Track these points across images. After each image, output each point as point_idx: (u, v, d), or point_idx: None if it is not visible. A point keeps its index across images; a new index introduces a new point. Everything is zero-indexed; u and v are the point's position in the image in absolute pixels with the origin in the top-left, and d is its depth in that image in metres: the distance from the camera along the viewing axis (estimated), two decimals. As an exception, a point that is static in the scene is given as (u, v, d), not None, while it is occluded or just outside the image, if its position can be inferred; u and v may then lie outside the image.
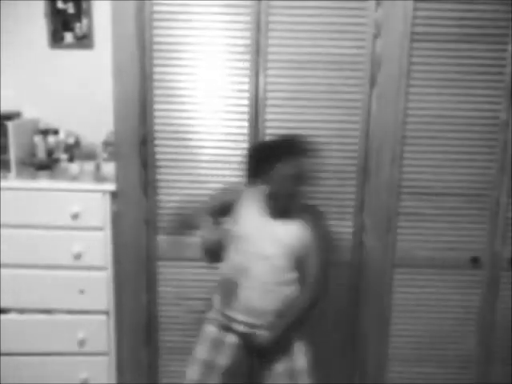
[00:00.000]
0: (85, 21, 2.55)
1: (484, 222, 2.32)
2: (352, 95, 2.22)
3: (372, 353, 2.43)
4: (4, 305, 2.37)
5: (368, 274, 2.35)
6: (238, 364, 1.97)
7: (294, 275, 1.91)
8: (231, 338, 1.94)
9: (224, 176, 2.28)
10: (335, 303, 2.38)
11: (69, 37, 2.57)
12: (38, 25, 2.55)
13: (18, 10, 2.56)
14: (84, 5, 2.54)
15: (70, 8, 2.54)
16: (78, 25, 2.56)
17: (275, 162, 1.84)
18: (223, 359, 1.94)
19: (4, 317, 2.38)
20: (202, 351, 1.96)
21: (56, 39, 2.57)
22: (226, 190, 2.15)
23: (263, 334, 1.87)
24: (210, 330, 1.97)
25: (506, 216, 2.31)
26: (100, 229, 2.30)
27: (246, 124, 2.24)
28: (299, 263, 1.91)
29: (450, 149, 2.26)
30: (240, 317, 1.90)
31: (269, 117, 2.23)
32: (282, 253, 1.87)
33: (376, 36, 2.16)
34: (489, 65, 2.19)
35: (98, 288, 2.35)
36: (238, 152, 2.26)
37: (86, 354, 2.41)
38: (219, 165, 2.28)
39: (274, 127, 2.24)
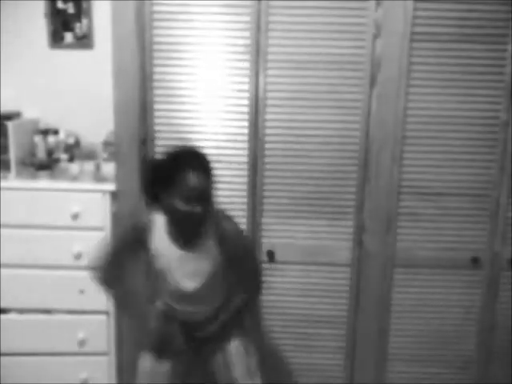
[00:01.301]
0: (85, 21, 2.55)
1: (484, 222, 2.32)
2: (352, 95, 2.22)
3: (372, 353, 2.43)
4: (4, 305, 2.37)
5: (368, 274, 2.35)
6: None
7: (221, 291, 1.85)
8: (165, 366, 1.88)
9: (224, 176, 2.28)
10: (335, 303, 2.38)
11: (69, 37, 2.57)
12: (38, 25, 2.55)
13: (18, 10, 2.56)
14: (84, 5, 2.54)
15: (70, 8, 2.54)
16: (77, 25, 2.56)
17: (163, 190, 1.64)
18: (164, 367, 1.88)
19: (4, 317, 2.38)
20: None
21: (56, 39, 2.57)
22: (127, 231, 1.86)
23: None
24: (145, 363, 1.91)
25: (506, 216, 2.31)
26: (100, 229, 2.30)
27: (246, 124, 2.24)
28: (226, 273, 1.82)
29: (450, 149, 2.26)
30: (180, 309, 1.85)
31: (269, 117, 2.23)
32: (203, 283, 1.76)
33: (376, 36, 2.16)
34: (489, 65, 2.19)
35: (97, 288, 2.34)
36: (238, 152, 2.26)
37: (86, 354, 2.41)
38: (219, 165, 2.27)
39: (274, 127, 2.24)
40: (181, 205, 1.61)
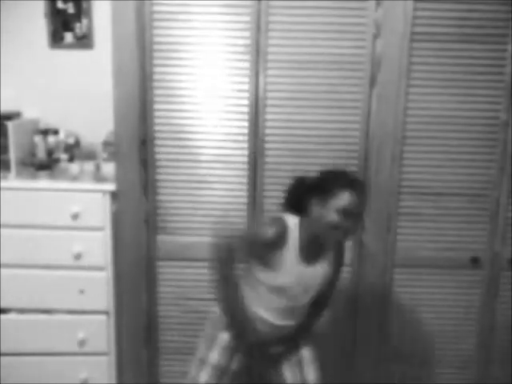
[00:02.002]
0: (85, 21, 2.55)
1: (484, 222, 2.32)
2: (352, 95, 2.22)
3: (372, 353, 2.43)
4: (4, 305, 2.37)
5: (368, 274, 2.35)
6: (229, 362, 1.91)
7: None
8: (224, 336, 1.89)
9: (224, 176, 2.28)
10: (335, 303, 2.38)
11: (69, 37, 2.57)
12: (38, 25, 2.55)
13: (18, 10, 2.56)
14: (84, 5, 2.54)
15: (70, 8, 2.54)
16: (77, 25, 2.55)
17: (318, 201, 1.70)
18: (235, 364, 1.91)
19: (4, 317, 2.37)
20: (215, 356, 1.88)
21: (56, 39, 2.57)
22: (268, 234, 1.73)
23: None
24: (224, 337, 1.89)
25: (506, 216, 2.31)
26: (100, 229, 2.30)
27: (246, 124, 2.24)
28: None
29: (449, 149, 2.26)
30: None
31: (269, 117, 2.23)
32: (310, 296, 1.83)
33: (376, 36, 2.16)
34: (489, 65, 2.19)
35: (98, 288, 2.35)
36: (238, 152, 2.26)
37: (86, 354, 2.41)
38: (219, 165, 2.28)
39: (274, 127, 2.24)
40: (334, 217, 1.66)
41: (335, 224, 1.66)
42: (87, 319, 2.38)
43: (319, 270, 1.81)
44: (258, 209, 2.29)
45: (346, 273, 2.34)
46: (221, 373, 1.90)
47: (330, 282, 1.89)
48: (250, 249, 1.82)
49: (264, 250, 1.74)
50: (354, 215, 1.67)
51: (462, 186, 2.29)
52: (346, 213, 1.65)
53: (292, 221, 1.76)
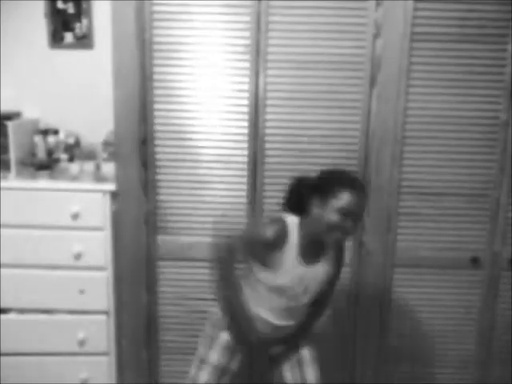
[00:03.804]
0: (85, 21, 2.55)
1: (484, 222, 2.32)
2: (352, 95, 2.22)
3: (371, 352, 2.43)
4: (4, 305, 2.37)
5: (368, 274, 2.35)
6: (229, 362, 1.91)
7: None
8: (223, 336, 1.88)
9: (224, 176, 2.28)
10: (335, 303, 2.37)
11: (69, 37, 2.57)
12: (38, 25, 2.56)
13: (18, 10, 2.56)
14: (84, 5, 2.54)
15: (70, 8, 2.54)
16: (77, 25, 2.56)
17: (319, 201, 1.69)
18: (235, 364, 1.91)
19: (4, 317, 2.38)
20: (215, 356, 1.88)
21: (56, 39, 2.57)
22: (267, 233, 1.72)
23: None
24: (224, 337, 1.88)
25: (506, 216, 2.31)
26: (100, 229, 2.30)
27: (245, 124, 2.24)
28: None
29: (450, 149, 2.26)
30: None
31: (269, 117, 2.23)
32: (310, 297, 1.83)
33: (376, 36, 2.15)
34: (489, 65, 2.18)
35: (98, 288, 2.35)
36: (238, 152, 2.26)
37: (86, 354, 2.41)
38: (219, 165, 2.28)
39: (274, 127, 2.24)
40: (333, 216, 1.65)
41: (335, 224, 1.65)
42: (87, 319, 2.38)
43: (319, 270, 1.81)
44: (258, 209, 2.29)
45: (345, 273, 2.34)
46: (221, 373, 1.89)
47: (330, 282, 1.89)
48: (250, 249, 1.81)
49: (264, 250, 1.73)
50: (353, 215, 1.67)
51: (462, 186, 2.29)
52: (345, 213, 1.64)
53: (292, 221, 1.75)
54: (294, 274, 1.76)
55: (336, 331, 2.41)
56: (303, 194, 1.75)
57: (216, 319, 1.92)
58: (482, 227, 2.33)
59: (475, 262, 2.34)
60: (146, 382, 2.45)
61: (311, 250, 1.77)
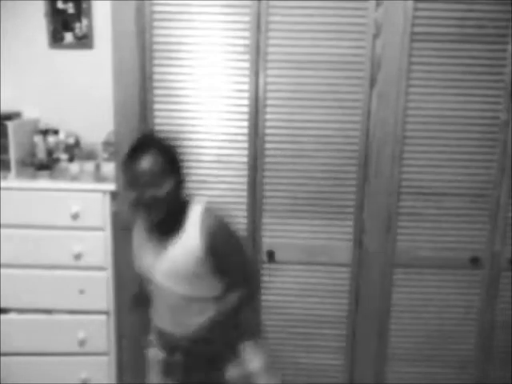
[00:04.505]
0: (85, 21, 2.55)
1: (484, 222, 2.32)
2: (352, 95, 2.22)
3: (371, 352, 2.42)
4: (4, 305, 2.37)
5: (368, 274, 2.35)
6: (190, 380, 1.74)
7: (205, 299, 1.65)
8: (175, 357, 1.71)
9: (224, 176, 2.28)
10: (335, 303, 2.38)
11: (69, 37, 2.57)
12: (38, 25, 2.56)
13: (18, 9, 2.56)
14: (84, 5, 2.54)
15: (70, 8, 2.54)
16: (77, 25, 2.56)
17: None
18: (173, 380, 1.73)
19: (4, 317, 2.38)
20: (152, 376, 1.79)
21: (56, 39, 2.57)
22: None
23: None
24: (153, 353, 1.78)
25: (506, 216, 2.31)
26: (100, 229, 2.30)
27: (245, 124, 2.24)
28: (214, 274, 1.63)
29: (450, 149, 2.26)
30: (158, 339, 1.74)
31: (269, 117, 2.23)
32: (177, 282, 1.61)
33: (376, 36, 2.15)
34: (489, 65, 2.18)
35: (98, 288, 2.36)
36: (238, 152, 2.26)
37: (87, 354, 2.41)
38: (219, 165, 2.28)
39: (274, 127, 2.24)
40: (129, 192, 1.54)
41: (132, 200, 1.53)
42: (87, 319, 2.39)
43: (181, 252, 1.59)
44: (257, 208, 2.29)
45: (345, 272, 2.35)
46: None
47: (221, 271, 1.63)
48: None
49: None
50: (140, 183, 1.50)
51: (462, 186, 2.29)
52: (132, 183, 1.52)
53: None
54: (144, 254, 1.67)
55: (335, 331, 2.41)
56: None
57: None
58: (482, 227, 2.32)
59: (475, 261, 2.34)
60: (145, 381, 2.45)
61: (158, 226, 1.61)
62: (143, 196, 1.51)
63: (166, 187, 1.53)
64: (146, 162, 1.51)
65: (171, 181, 1.55)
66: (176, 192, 1.58)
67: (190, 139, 2.26)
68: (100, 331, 2.39)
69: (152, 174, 1.52)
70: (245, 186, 2.28)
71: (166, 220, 1.58)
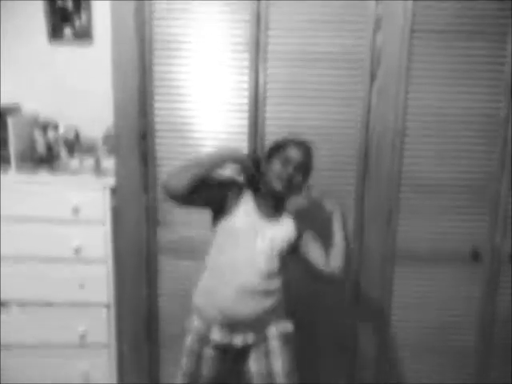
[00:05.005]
0: (84, 16, 2.55)
1: (484, 215, 2.32)
2: (352, 90, 2.21)
3: (372, 346, 2.43)
4: (5, 298, 2.39)
5: (368, 267, 2.35)
6: (219, 373, 1.90)
7: (278, 282, 1.86)
8: (209, 350, 1.87)
9: (223, 170, 2.27)
10: (335, 297, 2.38)
11: (68, 32, 2.57)
12: (38, 20, 2.56)
13: (18, 4, 2.55)
14: (83, 0, 2.53)
15: (70, 3, 2.54)
16: (77, 20, 2.55)
17: (268, 161, 1.86)
18: (205, 370, 1.88)
19: (5, 309, 2.39)
20: (185, 363, 1.91)
21: (55, 34, 2.57)
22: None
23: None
24: (190, 341, 1.91)
25: (507, 210, 2.30)
26: (100, 223, 2.31)
27: (245, 119, 2.24)
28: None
29: (449, 142, 2.25)
30: (217, 325, 1.84)
31: (268, 112, 2.23)
32: (269, 255, 1.82)
33: (376, 31, 2.14)
34: (489, 60, 2.17)
35: (98, 281, 2.37)
36: (238, 147, 2.26)
37: (87, 346, 2.43)
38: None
39: (274, 122, 2.23)
40: (277, 166, 1.81)
41: (278, 172, 1.80)
42: (88, 312, 2.40)
43: (275, 228, 1.85)
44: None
45: (345, 265, 2.35)
46: (191, 379, 1.90)
47: (287, 249, 1.88)
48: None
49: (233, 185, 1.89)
50: (295, 164, 1.81)
51: (462, 180, 2.28)
52: (286, 160, 1.80)
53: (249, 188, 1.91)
54: (248, 219, 1.83)
55: (336, 325, 2.41)
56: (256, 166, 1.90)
57: (189, 326, 1.94)
58: (483, 221, 2.32)
59: (475, 255, 2.34)
60: (146, 373, 2.47)
61: (268, 205, 1.86)
62: (291, 175, 1.80)
63: (301, 177, 1.84)
64: (303, 152, 1.85)
65: (307, 178, 1.88)
66: (300, 187, 1.88)
67: (190, 134, 2.26)
68: (100, 324, 2.41)
69: (303, 162, 1.84)
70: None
71: (280, 202, 1.89)
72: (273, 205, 1.87)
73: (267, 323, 1.86)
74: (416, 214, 2.32)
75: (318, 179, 2.26)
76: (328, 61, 2.18)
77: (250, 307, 1.81)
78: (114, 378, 2.46)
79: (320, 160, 2.25)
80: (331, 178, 2.28)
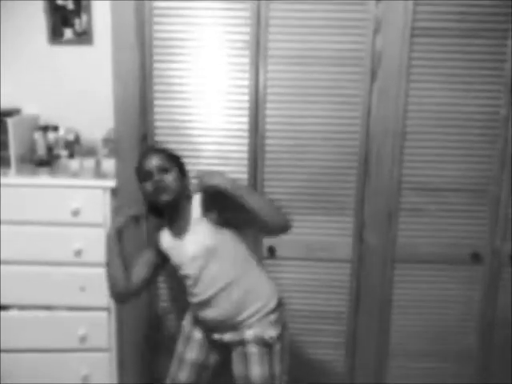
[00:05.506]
0: (84, 17, 2.55)
1: (485, 218, 2.32)
2: (352, 90, 2.21)
3: (372, 348, 2.43)
4: (4, 301, 2.37)
5: (368, 270, 2.35)
6: (206, 358, 2.01)
7: (243, 282, 1.88)
8: (198, 334, 2.00)
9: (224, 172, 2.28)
10: (336, 299, 2.38)
11: (68, 33, 2.57)
12: (38, 21, 2.55)
13: (18, 6, 2.55)
14: (83, 0, 2.53)
15: (70, 4, 2.54)
16: (77, 21, 2.55)
17: (141, 188, 1.92)
18: (192, 353, 1.99)
19: (4, 313, 2.37)
20: (192, 353, 2.00)
21: (55, 35, 2.57)
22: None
23: None
24: (184, 324, 2.06)
25: (507, 212, 2.30)
26: (101, 225, 2.30)
27: (246, 120, 2.24)
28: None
29: (450, 144, 2.25)
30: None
31: (269, 112, 2.23)
32: (209, 249, 1.85)
33: (376, 31, 2.15)
34: (489, 60, 2.18)
35: (98, 284, 2.34)
36: (239, 148, 2.26)
37: (87, 350, 2.41)
38: (219, 161, 2.28)
39: (274, 122, 2.24)
40: (147, 184, 1.86)
41: (152, 189, 1.85)
42: (88, 316, 2.38)
43: (198, 237, 1.87)
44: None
45: (346, 268, 2.35)
46: (200, 369, 1.99)
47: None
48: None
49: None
50: (155, 173, 1.84)
51: (462, 182, 2.29)
52: (149, 174, 1.85)
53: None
54: (176, 251, 1.92)
55: (336, 327, 2.41)
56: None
57: (191, 317, 2.02)
58: (483, 223, 2.32)
59: (475, 257, 2.34)
60: (146, 377, 2.46)
61: (179, 218, 1.92)
62: (158, 181, 1.83)
63: (172, 174, 1.86)
64: (155, 157, 1.89)
65: (175, 170, 1.89)
66: (180, 182, 1.88)
67: (191, 135, 2.26)
68: (101, 328, 2.39)
69: (160, 164, 1.87)
70: (245, 182, 2.28)
71: (175, 206, 1.89)
72: (182, 216, 1.90)
73: (240, 325, 1.88)
74: (416, 216, 2.32)
75: (318, 179, 2.28)
76: (328, 61, 2.19)
77: (215, 310, 1.88)
78: (114, 382, 2.44)
79: (320, 160, 2.27)
80: (331, 179, 2.28)
